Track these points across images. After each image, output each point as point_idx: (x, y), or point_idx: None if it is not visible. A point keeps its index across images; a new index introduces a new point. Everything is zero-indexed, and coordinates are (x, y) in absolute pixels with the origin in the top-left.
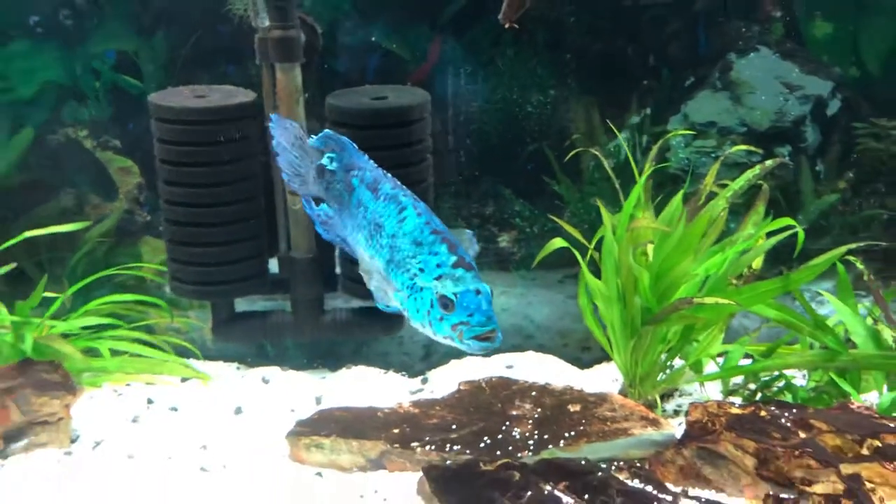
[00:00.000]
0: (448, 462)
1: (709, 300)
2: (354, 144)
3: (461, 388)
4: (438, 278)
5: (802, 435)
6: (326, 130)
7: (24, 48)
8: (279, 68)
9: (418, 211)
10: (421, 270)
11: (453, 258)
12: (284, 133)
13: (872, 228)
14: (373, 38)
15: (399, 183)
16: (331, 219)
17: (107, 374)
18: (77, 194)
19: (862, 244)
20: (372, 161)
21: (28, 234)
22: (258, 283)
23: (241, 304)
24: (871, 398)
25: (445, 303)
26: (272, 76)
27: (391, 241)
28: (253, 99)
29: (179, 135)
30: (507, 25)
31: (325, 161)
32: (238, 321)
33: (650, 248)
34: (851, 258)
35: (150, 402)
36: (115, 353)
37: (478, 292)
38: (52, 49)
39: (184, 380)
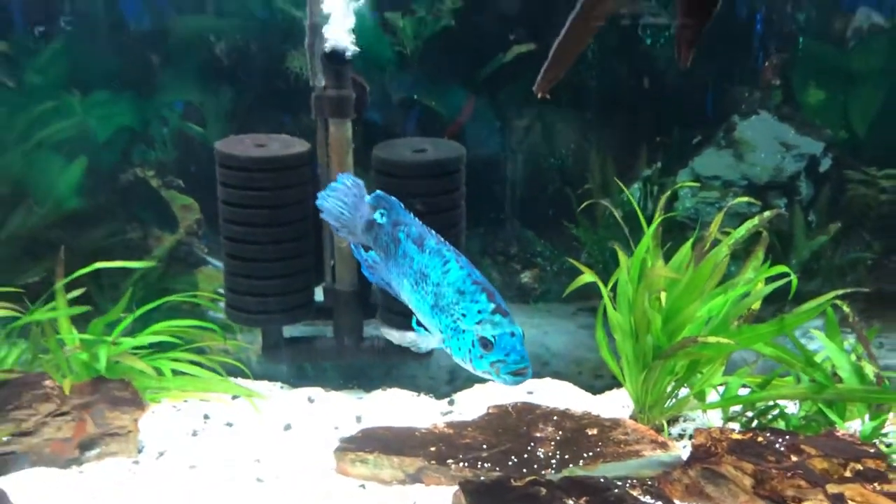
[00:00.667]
0: (482, 478)
1: (712, 340)
2: (402, 204)
3: (490, 411)
4: (479, 323)
5: (794, 458)
6: (378, 192)
7: (105, 97)
8: (332, 123)
9: (460, 264)
10: (463, 315)
11: (492, 305)
12: (348, 189)
13: (858, 270)
14: (414, 96)
15: (441, 238)
16: (377, 264)
17: (166, 391)
18: (142, 227)
19: (847, 290)
20: (417, 218)
21: (99, 265)
22: (305, 311)
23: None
24: (854, 426)
25: (485, 343)
26: (325, 129)
27: (436, 288)
28: (307, 149)
29: (242, 180)
30: (539, 96)
31: (376, 216)
32: (286, 345)
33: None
34: (838, 302)
35: (206, 417)
36: (173, 371)
37: (512, 334)
38: (128, 98)
39: (234, 397)
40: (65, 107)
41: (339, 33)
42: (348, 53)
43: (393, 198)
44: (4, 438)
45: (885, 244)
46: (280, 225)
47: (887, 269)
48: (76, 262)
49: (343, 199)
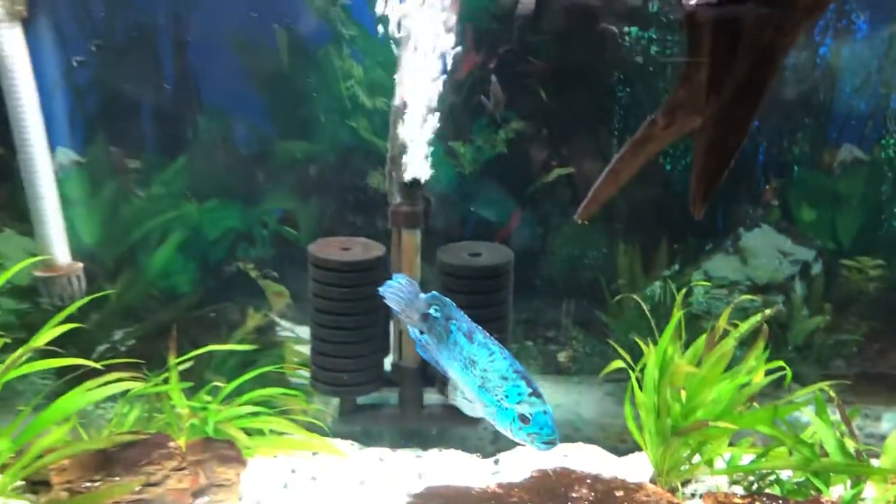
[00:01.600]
0: None
1: (721, 424)
2: (454, 303)
3: (533, 474)
4: (519, 403)
5: None
6: (434, 292)
7: (216, 204)
8: (405, 232)
9: (504, 356)
10: (506, 396)
11: (529, 390)
12: (402, 287)
13: (845, 352)
14: (472, 209)
15: (486, 333)
16: (429, 345)
17: (260, 448)
18: (241, 310)
19: (833, 382)
20: (466, 315)
21: (211, 347)
22: (376, 384)
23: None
24: (838, 491)
25: (524, 419)
26: (399, 236)
27: (483, 373)
28: (383, 252)
29: (331, 278)
30: (580, 221)
31: (431, 311)
32: (359, 411)
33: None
34: (825, 387)
35: (293, 471)
36: (262, 432)
37: (545, 412)
38: (235, 206)
39: (314, 454)
40: (183, 212)
41: (416, 163)
42: (422, 181)
43: (447, 298)
44: (137, 488)
45: (871, 328)
46: (358, 315)
47: (870, 351)
48: (186, 336)
49: (399, 294)
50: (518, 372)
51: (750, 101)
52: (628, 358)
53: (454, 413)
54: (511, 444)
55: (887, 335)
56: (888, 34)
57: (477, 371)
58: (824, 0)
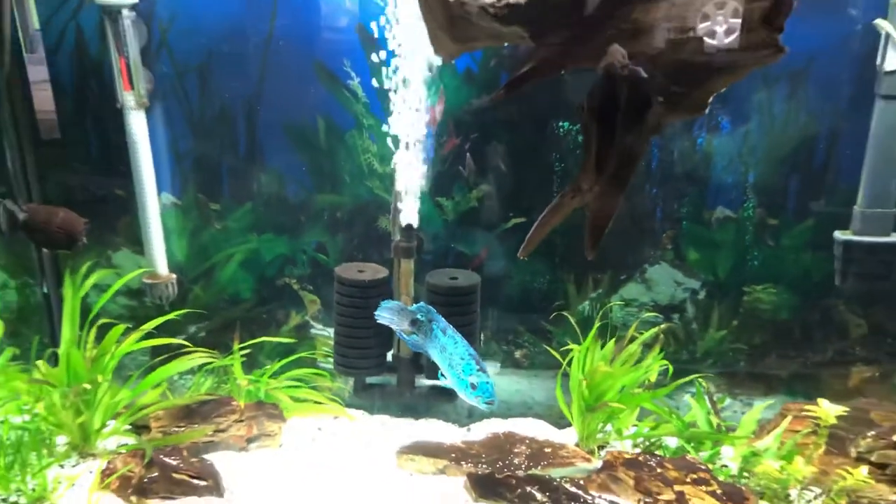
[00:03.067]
0: (480, 472)
1: (614, 404)
2: (435, 310)
3: (488, 436)
4: (470, 375)
5: (658, 470)
6: (422, 303)
7: (271, 237)
8: (403, 261)
9: (464, 345)
10: (463, 371)
11: (478, 367)
12: (394, 308)
13: (737, 356)
14: (452, 245)
15: (455, 330)
16: (417, 341)
17: (296, 411)
18: (285, 312)
19: (704, 374)
20: (443, 318)
21: (264, 339)
22: (382, 368)
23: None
24: (703, 454)
25: (474, 386)
26: (399, 264)
27: (450, 356)
28: (387, 274)
29: (350, 292)
30: (522, 257)
31: (419, 316)
32: (368, 388)
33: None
34: (701, 379)
35: (319, 428)
36: (298, 399)
37: (487, 383)
38: (284, 238)
39: (335, 417)
40: (247, 241)
41: (410, 213)
42: (414, 225)
43: (431, 307)
44: (209, 433)
45: (756, 339)
46: (368, 318)
47: (754, 356)
48: (246, 329)
49: (388, 313)
50: (472, 355)
51: (621, 182)
52: (561, 358)
53: (437, 393)
54: (480, 418)
55: (766, 344)
56: (744, 130)
57: (447, 355)
58: (663, 124)
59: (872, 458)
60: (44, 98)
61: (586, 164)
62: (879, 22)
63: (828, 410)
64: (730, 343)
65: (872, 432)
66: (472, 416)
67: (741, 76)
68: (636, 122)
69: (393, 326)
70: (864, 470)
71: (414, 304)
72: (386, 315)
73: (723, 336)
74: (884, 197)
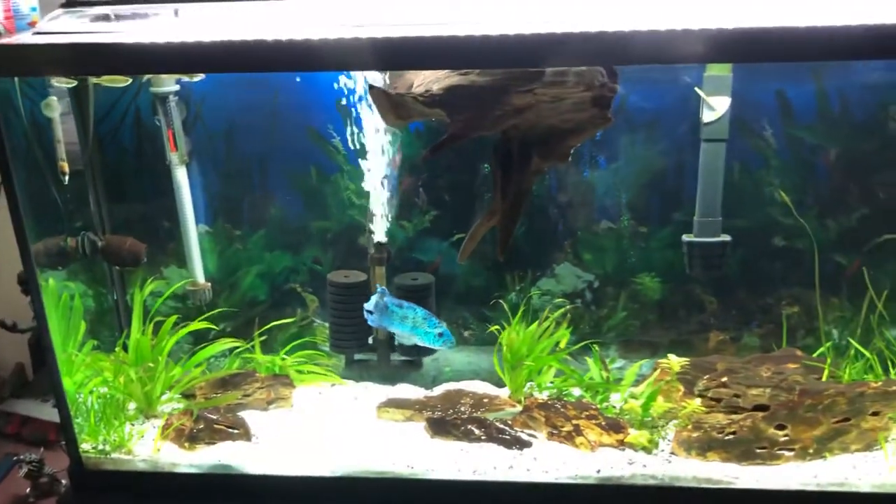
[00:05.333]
0: (435, 417)
1: (528, 362)
2: (388, 292)
3: (443, 392)
4: (436, 328)
5: (562, 410)
6: (381, 287)
7: (279, 253)
8: (377, 269)
9: (421, 310)
10: (429, 326)
11: (437, 321)
12: (375, 300)
13: (630, 329)
14: (413, 255)
15: (410, 303)
16: (376, 319)
17: (302, 380)
18: (292, 308)
19: (602, 342)
20: (397, 298)
21: (273, 324)
22: (365, 346)
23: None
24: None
25: (441, 335)
26: (374, 271)
27: (412, 321)
28: (366, 278)
29: (338, 292)
30: (461, 262)
31: (377, 296)
32: (356, 363)
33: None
34: (596, 346)
35: (320, 393)
36: (304, 372)
37: (447, 332)
38: (289, 254)
39: (332, 385)
40: (262, 257)
41: (380, 232)
42: (384, 242)
43: (385, 290)
44: (240, 396)
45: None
46: (353, 311)
47: (645, 328)
48: (264, 324)
49: (370, 304)
50: (431, 316)
51: (517, 208)
52: (497, 335)
53: (407, 366)
54: (440, 382)
55: (651, 319)
56: (615, 166)
57: (408, 321)
58: (541, 168)
59: (709, 395)
60: (68, 131)
61: (495, 195)
62: (697, 90)
63: (675, 362)
64: (626, 320)
65: (708, 375)
66: (436, 380)
67: (587, 137)
68: (523, 167)
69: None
70: (697, 401)
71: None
72: (370, 304)
73: (623, 315)
74: (712, 209)
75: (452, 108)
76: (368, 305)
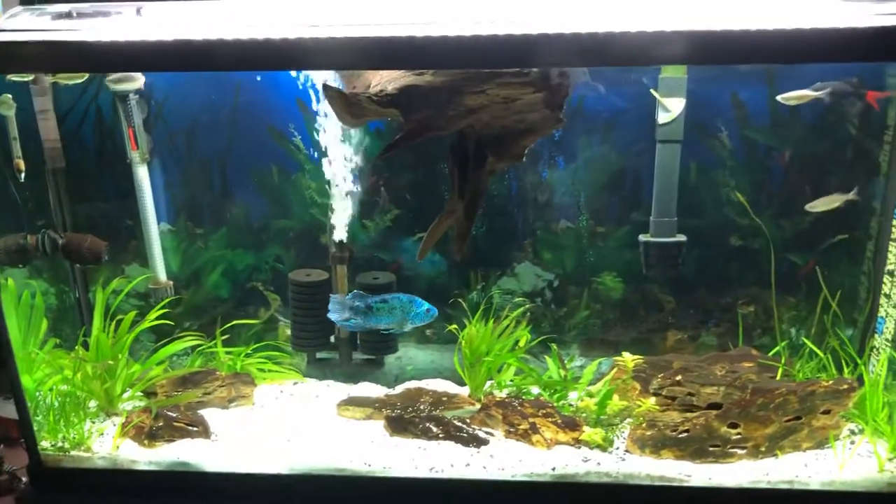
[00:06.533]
0: (394, 415)
1: (487, 360)
2: (362, 292)
3: (403, 390)
4: (423, 306)
5: (519, 408)
6: (355, 291)
7: (242, 252)
8: (339, 267)
9: (401, 296)
10: (417, 307)
11: (418, 299)
12: (337, 300)
13: (591, 328)
14: (375, 254)
15: (389, 295)
16: (358, 323)
17: (264, 378)
18: (255, 307)
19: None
20: (372, 297)
21: (237, 322)
22: (326, 345)
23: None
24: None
25: (429, 311)
26: (335, 269)
27: (400, 309)
28: (327, 277)
29: (299, 292)
30: (419, 260)
31: (355, 303)
32: (318, 362)
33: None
34: (554, 346)
35: (281, 391)
36: (265, 370)
37: (429, 309)
38: (251, 252)
39: (294, 383)
40: (225, 255)
41: (341, 231)
42: (344, 240)
43: (360, 292)
44: (200, 394)
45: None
46: (314, 309)
47: (605, 327)
48: (226, 321)
49: (334, 307)
50: (412, 296)
51: (474, 207)
52: (458, 334)
53: (369, 364)
54: (403, 381)
55: (611, 320)
56: (574, 166)
57: (396, 311)
58: (497, 169)
59: (664, 393)
60: (48, 127)
61: (452, 195)
62: (652, 91)
63: (629, 360)
64: (587, 319)
65: (663, 374)
66: (399, 379)
67: (540, 136)
68: (479, 168)
69: (334, 319)
70: (652, 399)
71: (347, 297)
72: (333, 309)
73: (586, 314)
74: (668, 210)
75: (407, 107)
76: (340, 315)
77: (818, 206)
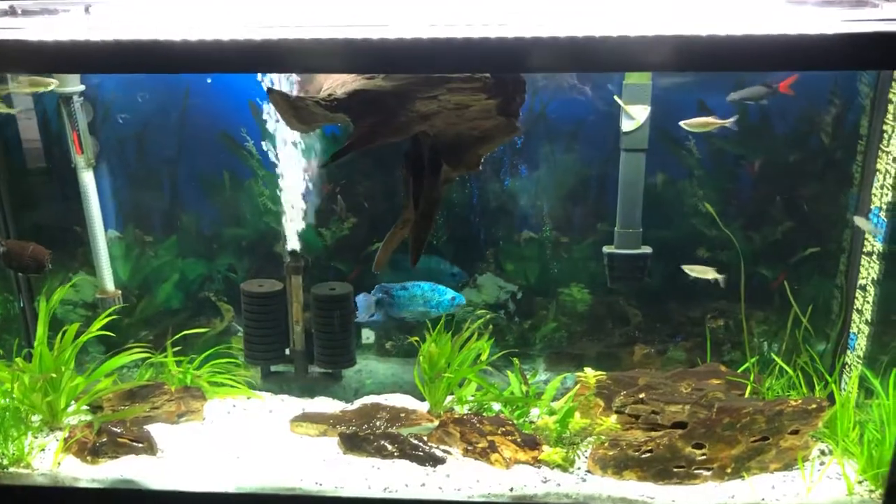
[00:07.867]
0: (349, 432)
1: (447, 374)
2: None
3: (359, 406)
4: (446, 293)
5: (478, 425)
6: (379, 285)
7: (193, 261)
8: (293, 277)
9: (423, 285)
10: (441, 294)
11: (442, 287)
12: (361, 300)
13: (557, 341)
14: (332, 264)
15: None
16: (380, 319)
17: (216, 392)
18: (207, 317)
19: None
20: (394, 286)
21: (188, 331)
22: (281, 357)
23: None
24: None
25: (453, 298)
26: (290, 280)
27: (424, 297)
28: (282, 287)
29: (252, 303)
30: (375, 271)
31: (379, 297)
32: (273, 375)
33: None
34: (514, 359)
35: (233, 406)
36: (217, 384)
37: (454, 297)
38: (203, 262)
39: (248, 398)
40: (176, 264)
41: (294, 241)
42: (299, 251)
43: (383, 284)
44: (148, 409)
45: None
46: (267, 321)
47: (570, 340)
48: (177, 332)
49: (361, 308)
50: (435, 284)
51: (429, 216)
52: (418, 347)
53: (325, 378)
54: (362, 395)
55: (577, 333)
56: (536, 175)
57: (418, 299)
58: (452, 177)
59: (627, 411)
60: (29, 126)
61: (406, 204)
62: (616, 98)
63: (591, 376)
64: (552, 332)
65: (625, 391)
66: (357, 393)
67: (497, 145)
68: (434, 176)
69: (361, 320)
70: (614, 418)
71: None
72: (361, 308)
73: (551, 327)
74: (632, 220)
75: (356, 113)
76: (367, 313)
77: (695, 272)
